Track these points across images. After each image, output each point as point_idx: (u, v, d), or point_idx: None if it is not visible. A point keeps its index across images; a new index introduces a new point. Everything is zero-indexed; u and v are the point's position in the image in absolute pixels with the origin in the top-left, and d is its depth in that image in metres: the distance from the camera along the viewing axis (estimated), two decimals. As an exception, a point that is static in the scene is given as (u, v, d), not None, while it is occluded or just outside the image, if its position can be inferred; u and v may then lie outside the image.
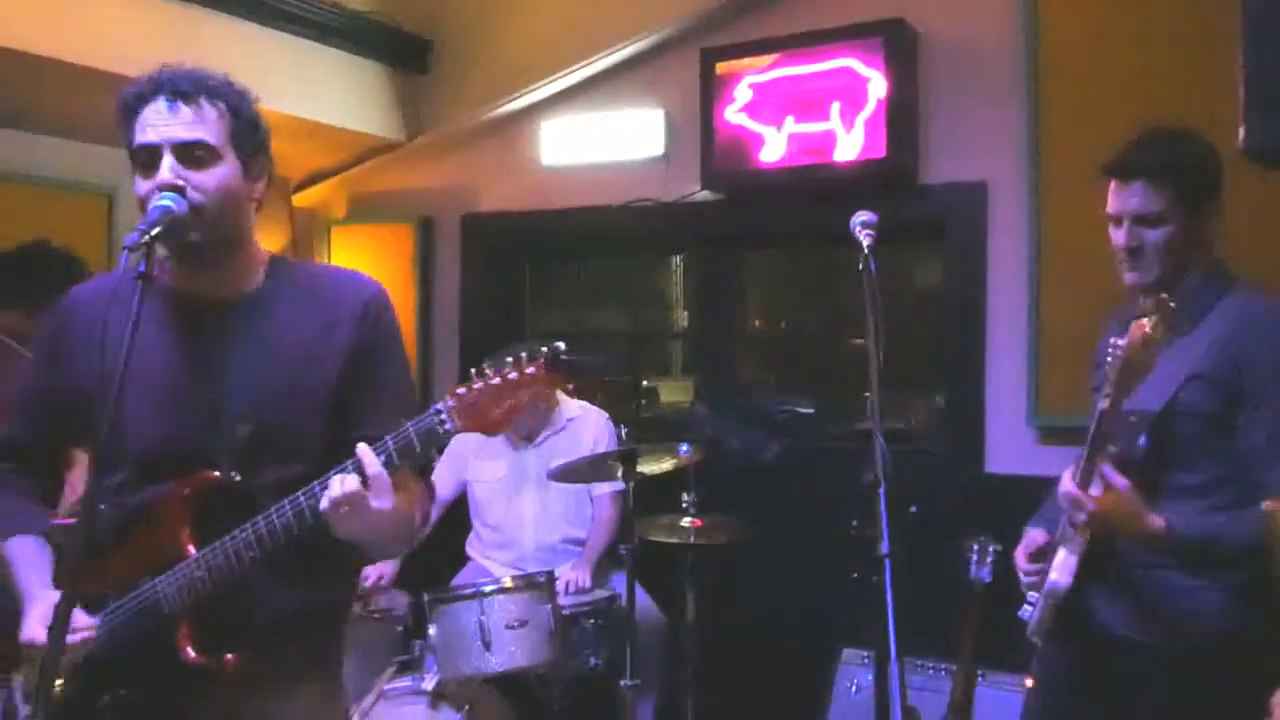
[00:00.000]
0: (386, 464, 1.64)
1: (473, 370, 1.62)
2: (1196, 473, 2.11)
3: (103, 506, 1.84)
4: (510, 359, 1.61)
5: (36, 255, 3.30)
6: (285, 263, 1.93)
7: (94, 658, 1.75)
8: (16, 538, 1.88)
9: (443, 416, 1.62)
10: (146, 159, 1.73)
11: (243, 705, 1.81)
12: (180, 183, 1.70)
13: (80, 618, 1.73)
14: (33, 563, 1.85)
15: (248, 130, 1.80)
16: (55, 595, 1.66)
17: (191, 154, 1.73)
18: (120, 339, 1.57)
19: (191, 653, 1.74)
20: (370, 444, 1.69)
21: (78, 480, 2.29)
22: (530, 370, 1.60)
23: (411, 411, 1.74)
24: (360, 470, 1.63)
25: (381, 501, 1.63)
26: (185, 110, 1.73)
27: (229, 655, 1.74)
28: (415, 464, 1.74)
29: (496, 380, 1.60)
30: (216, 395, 1.78)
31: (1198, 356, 2.10)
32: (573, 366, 1.62)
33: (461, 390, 1.61)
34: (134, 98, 1.75)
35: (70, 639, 1.69)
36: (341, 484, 1.62)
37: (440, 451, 3.51)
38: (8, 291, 3.17)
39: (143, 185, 1.73)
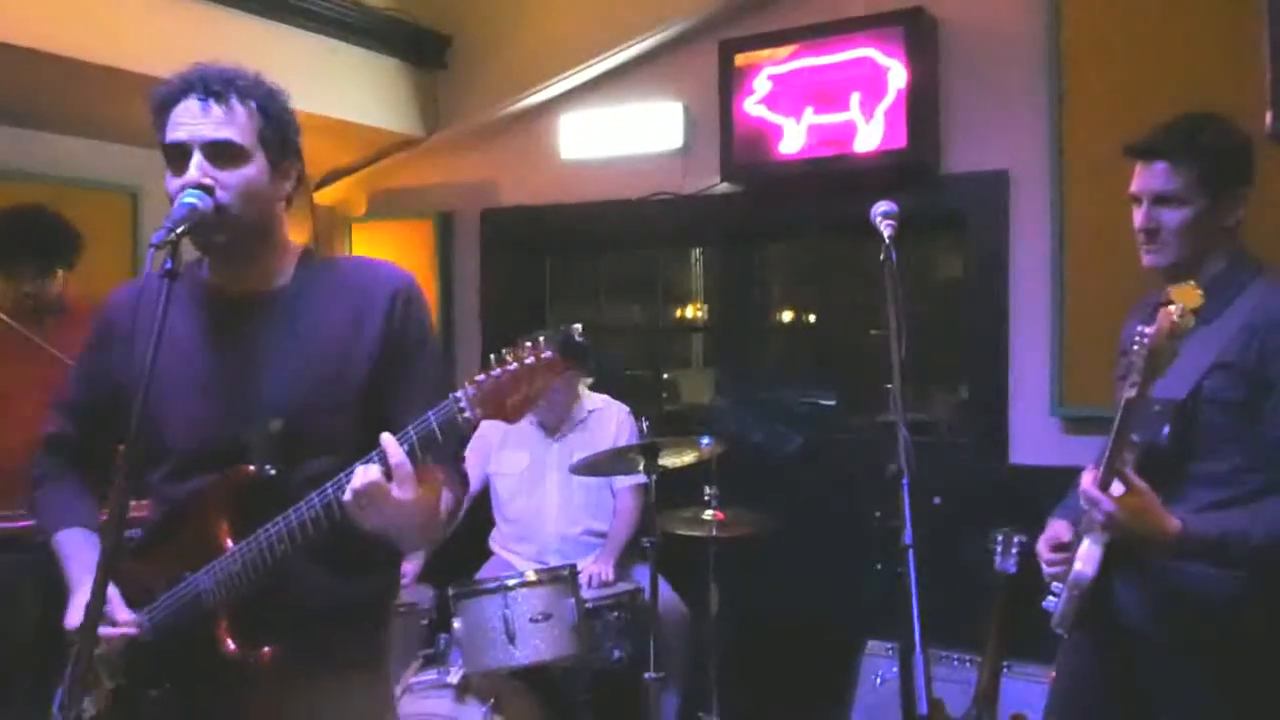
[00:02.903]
0: (409, 454, 1.62)
1: (491, 357, 1.61)
2: (1222, 461, 2.08)
3: (144, 500, 1.90)
4: (526, 344, 1.60)
5: (15, 221, 3.28)
6: (316, 256, 1.94)
7: (140, 653, 1.77)
8: (65, 530, 1.92)
9: (462, 404, 1.60)
10: (177, 157, 1.75)
11: (286, 699, 1.81)
12: (208, 181, 1.72)
13: (124, 612, 1.77)
14: (80, 554, 1.88)
15: (277, 129, 1.81)
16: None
17: (220, 153, 1.74)
18: (149, 336, 1.59)
19: (231, 645, 1.76)
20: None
21: None
22: (546, 354, 1.59)
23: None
24: (384, 460, 1.62)
25: (404, 492, 1.61)
26: (216, 109, 1.75)
27: (266, 648, 1.76)
28: (447, 452, 1.75)
29: (513, 366, 1.59)
30: (251, 389, 1.80)
31: (1223, 344, 2.08)
32: (584, 350, 1.60)
33: (481, 378, 1.59)
34: (166, 96, 1.77)
35: (111, 631, 1.73)
36: (364, 474, 1.61)
37: (465, 441, 3.57)
38: None
39: (173, 182, 1.75)
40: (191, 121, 1.74)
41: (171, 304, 1.61)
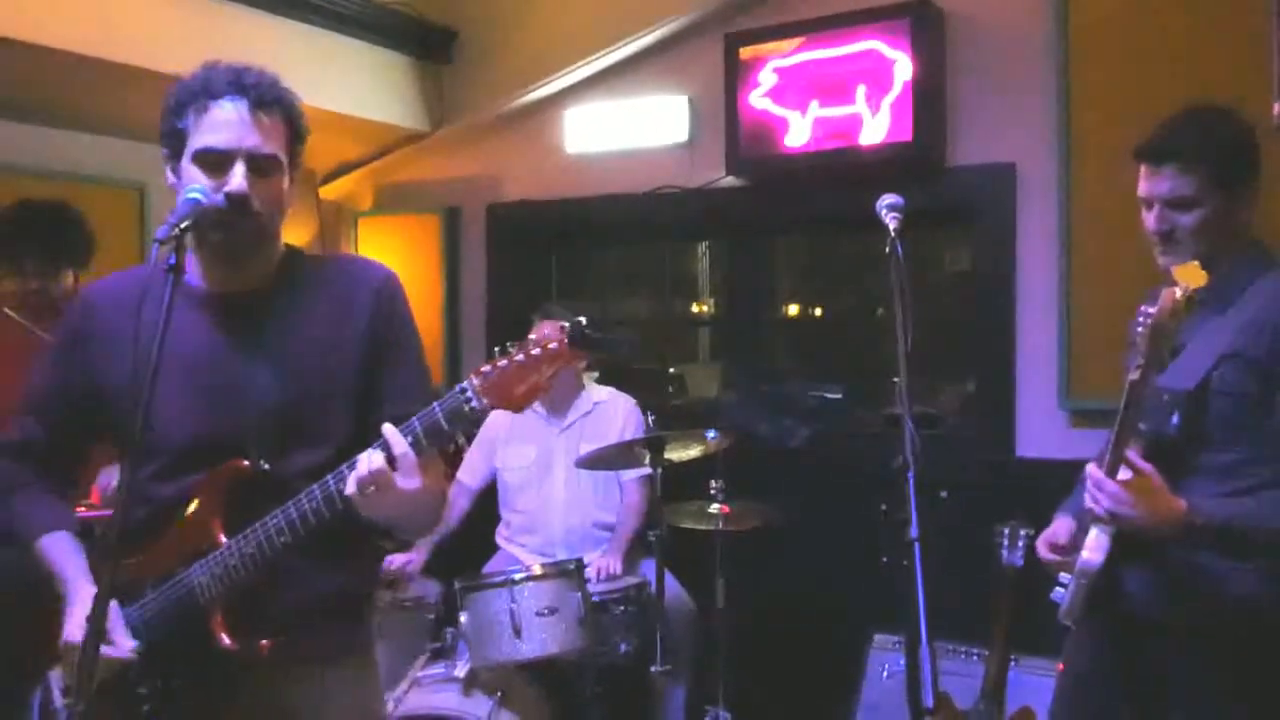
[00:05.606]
0: (414, 444, 1.65)
1: (495, 349, 1.65)
2: (1230, 453, 2.08)
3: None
4: (531, 336, 1.64)
5: (25, 216, 3.25)
6: (299, 254, 1.94)
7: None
8: (48, 536, 1.88)
9: (468, 395, 1.63)
10: (210, 160, 1.73)
11: (277, 692, 1.83)
12: (246, 191, 1.72)
13: (123, 635, 1.74)
14: (70, 559, 1.85)
15: (299, 142, 1.83)
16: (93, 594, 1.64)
17: (260, 163, 1.75)
18: (152, 334, 1.58)
19: (226, 640, 1.76)
20: (395, 424, 1.73)
21: (112, 473, 2.27)
22: (552, 346, 1.62)
23: (430, 392, 1.81)
24: (387, 450, 1.64)
25: (408, 481, 1.64)
26: (264, 120, 1.75)
27: (264, 641, 1.76)
28: (443, 444, 1.74)
29: (520, 357, 1.62)
30: (243, 385, 1.80)
31: (1233, 335, 2.07)
32: (593, 341, 1.63)
33: (486, 369, 1.63)
34: (204, 89, 1.74)
35: (110, 652, 1.69)
36: (368, 463, 1.63)
37: (473, 431, 3.50)
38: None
39: (203, 180, 1.73)
40: (239, 128, 1.73)
41: (162, 301, 1.60)
